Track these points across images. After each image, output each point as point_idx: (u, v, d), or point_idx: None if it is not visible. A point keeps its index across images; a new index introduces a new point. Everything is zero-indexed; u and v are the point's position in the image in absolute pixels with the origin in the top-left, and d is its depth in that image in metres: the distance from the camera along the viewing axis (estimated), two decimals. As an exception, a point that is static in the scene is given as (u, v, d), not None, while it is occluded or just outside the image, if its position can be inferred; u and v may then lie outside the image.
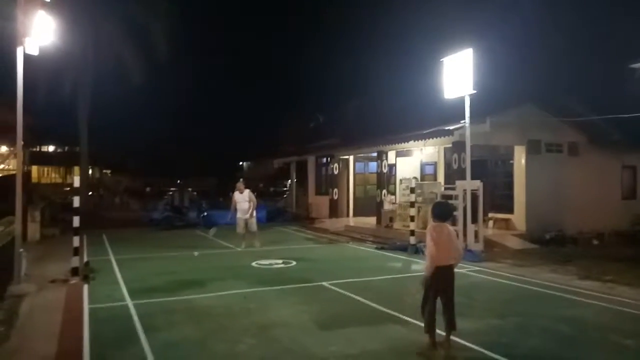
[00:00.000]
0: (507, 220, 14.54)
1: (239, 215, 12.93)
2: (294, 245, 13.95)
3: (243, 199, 12.94)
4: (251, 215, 12.92)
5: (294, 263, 10.73)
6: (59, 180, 43.61)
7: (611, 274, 9.21)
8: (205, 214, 19.56)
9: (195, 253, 11.80)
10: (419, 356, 5.00)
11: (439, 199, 13.12)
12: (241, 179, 14.25)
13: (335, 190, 20.06)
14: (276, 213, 22.40)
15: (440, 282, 5.15)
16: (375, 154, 17.77)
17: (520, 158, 14.41)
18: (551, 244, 13.07)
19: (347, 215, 20.04)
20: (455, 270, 9.63)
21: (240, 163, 62.02)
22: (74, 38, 18.54)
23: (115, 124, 37.42)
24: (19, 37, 8.42)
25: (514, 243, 12.76)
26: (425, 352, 5.04)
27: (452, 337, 5.57)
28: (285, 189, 38.70)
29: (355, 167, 20.74)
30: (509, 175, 14.87)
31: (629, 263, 10.46)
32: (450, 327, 5.19)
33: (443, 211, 5.42)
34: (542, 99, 14.27)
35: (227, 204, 22.38)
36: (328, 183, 20.85)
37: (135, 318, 6.45)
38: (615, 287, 8.26)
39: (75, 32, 18.47)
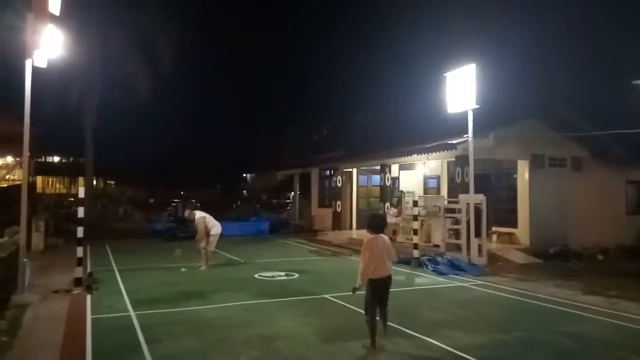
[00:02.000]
0: (510, 235, 14.50)
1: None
2: (296, 258, 13.93)
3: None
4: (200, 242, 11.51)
5: (297, 275, 10.71)
6: (64, 191, 43.76)
7: (616, 289, 9.14)
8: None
9: (183, 269, 11.12)
10: (363, 348, 5.56)
11: (441, 212, 13.13)
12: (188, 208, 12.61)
13: (339, 202, 20.08)
14: (279, 225, 22.40)
15: (376, 291, 5.58)
16: (378, 167, 17.82)
17: (523, 172, 14.41)
18: (555, 258, 13.00)
19: (350, 228, 20.02)
20: (459, 284, 9.62)
21: (244, 175, 62.18)
22: (81, 50, 18.77)
23: (120, 135, 37.74)
24: (28, 50, 8.55)
25: (518, 257, 12.70)
26: (368, 347, 5.54)
27: (457, 351, 5.57)
28: (288, 201, 38.73)
29: (359, 180, 20.78)
30: (513, 189, 14.86)
31: (634, 278, 10.38)
32: (385, 319, 5.71)
33: (377, 223, 5.78)
34: (545, 114, 14.32)
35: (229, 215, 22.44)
36: (331, 195, 20.87)
37: (138, 329, 6.45)
38: (619, 302, 8.20)
39: (82, 45, 18.70)
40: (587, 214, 14.30)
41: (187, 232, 18.98)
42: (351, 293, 5.71)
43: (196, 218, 11.61)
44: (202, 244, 11.55)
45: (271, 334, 6.24)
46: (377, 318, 5.62)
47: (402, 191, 16.41)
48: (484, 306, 8.18)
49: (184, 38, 23.47)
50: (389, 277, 5.70)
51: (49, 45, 8.63)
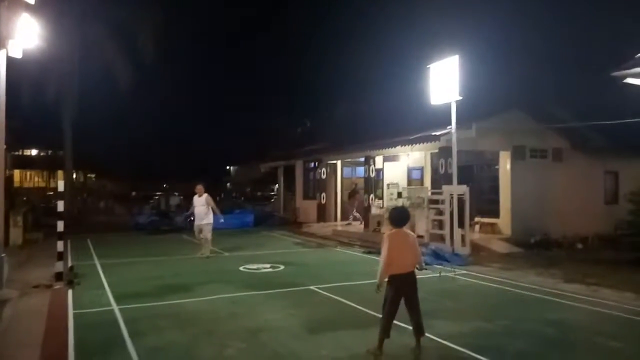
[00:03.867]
0: (493, 225, 14.69)
1: (195, 222, 12.27)
2: (281, 250, 13.91)
3: (200, 203, 12.11)
4: (208, 221, 12.05)
5: (282, 267, 10.70)
6: (42, 184, 42.94)
7: (595, 277, 9.35)
8: (192, 218, 19.42)
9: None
10: (367, 353, 5.12)
11: (425, 203, 13.23)
12: (200, 184, 12.71)
13: (323, 194, 20.09)
14: (264, 217, 22.32)
15: (399, 289, 5.17)
16: (362, 159, 17.85)
17: (505, 163, 14.59)
18: (536, 247, 13.23)
19: (335, 220, 20.07)
20: (443, 274, 9.70)
21: (228, 167, 61.72)
22: (58, 41, 18.33)
23: (100, 127, 36.96)
24: (2, 40, 8.29)
25: (500, 247, 12.89)
26: (374, 352, 5.12)
27: (441, 340, 5.61)
28: (272, 193, 38.61)
29: (343, 172, 20.81)
30: (495, 180, 15.04)
31: (612, 266, 10.63)
32: (419, 332, 5.21)
33: (400, 216, 5.38)
34: (526, 106, 14.48)
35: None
36: (316, 187, 20.86)
37: (121, 323, 6.37)
38: (599, 290, 8.39)
39: (59, 35, 18.27)
40: (567, 204, 14.56)
41: (171, 225, 18.85)
42: (376, 292, 5.17)
43: (206, 195, 12.18)
44: (206, 231, 12.01)
45: (257, 326, 6.22)
46: (411, 327, 5.23)
47: (356, 184, 18.94)
48: (468, 295, 8.29)
49: (164, 28, 23.09)
50: (411, 274, 5.22)
51: (24, 35, 8.37)
